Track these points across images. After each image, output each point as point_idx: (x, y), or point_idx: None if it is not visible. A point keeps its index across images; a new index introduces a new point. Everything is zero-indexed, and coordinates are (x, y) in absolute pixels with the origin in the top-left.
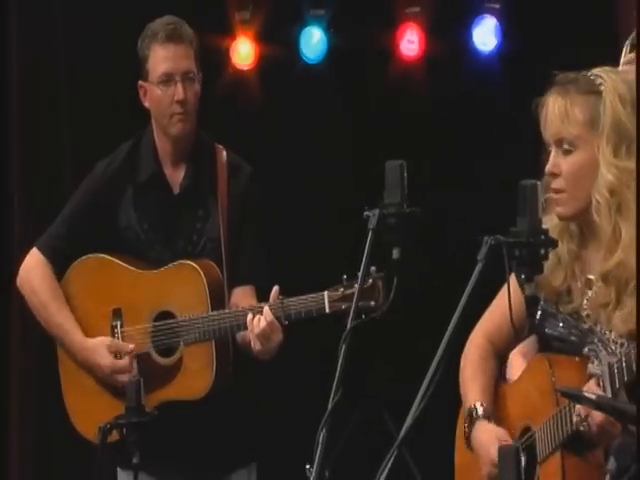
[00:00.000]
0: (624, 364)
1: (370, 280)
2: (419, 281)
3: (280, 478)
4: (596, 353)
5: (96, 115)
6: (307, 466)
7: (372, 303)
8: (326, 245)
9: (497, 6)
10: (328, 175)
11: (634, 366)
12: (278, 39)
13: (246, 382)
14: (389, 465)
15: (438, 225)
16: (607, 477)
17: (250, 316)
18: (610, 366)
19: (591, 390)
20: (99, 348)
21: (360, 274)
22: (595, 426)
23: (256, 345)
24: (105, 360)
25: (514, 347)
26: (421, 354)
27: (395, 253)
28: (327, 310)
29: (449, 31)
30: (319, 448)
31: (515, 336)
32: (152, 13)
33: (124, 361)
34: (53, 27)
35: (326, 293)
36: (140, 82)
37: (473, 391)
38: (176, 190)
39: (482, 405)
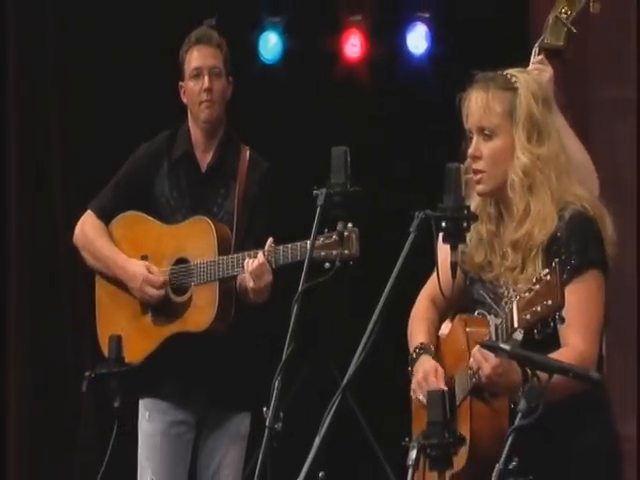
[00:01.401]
0: (505, 324)
1: (346, 233)
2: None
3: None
4: (484, 315)
5: (88, 116)
6: (264, 408)
7: (346, 251)
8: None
9: (427, 15)
10: (284, 166)
11: (513, 324)
12: (239, 42)
13: (248, 332)
14: (334, 407)
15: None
16: (518, 416)
17: (247, 259)
18: (496, 326)
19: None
20: (139, 263)
21: (309, 243)
22: (484, 377)
23: (250, 283)
24: (141, 269)
25: (454, 307)
26: (363, 314)
27: (340, 226)
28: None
29: (386, 36)
30: (274, 393)
31: (445, 299)
32: (140, 15)
33: (157, 278)
34: (44, 27)
35: (309, 241)
36: (180, 83)
37: (418, 337)
38: (203, 170)
39: (426, 344)
